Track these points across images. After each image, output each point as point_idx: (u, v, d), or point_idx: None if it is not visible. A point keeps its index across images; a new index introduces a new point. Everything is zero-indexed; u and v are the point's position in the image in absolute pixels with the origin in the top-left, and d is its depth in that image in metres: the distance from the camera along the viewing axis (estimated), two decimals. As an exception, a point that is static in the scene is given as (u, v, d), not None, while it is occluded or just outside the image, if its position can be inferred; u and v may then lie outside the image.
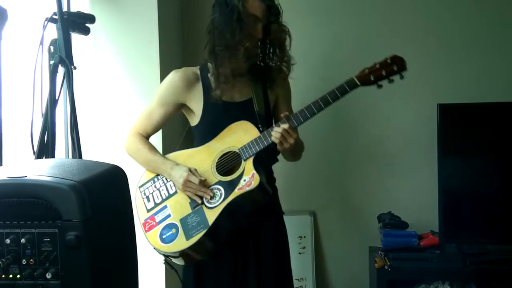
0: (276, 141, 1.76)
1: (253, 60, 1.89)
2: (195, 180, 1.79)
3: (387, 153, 2.82)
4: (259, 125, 1.84)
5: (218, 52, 1.82)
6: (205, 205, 1.78)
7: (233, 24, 1.78)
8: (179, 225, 1.79)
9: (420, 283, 2.53)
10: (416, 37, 2.75)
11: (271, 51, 1.90)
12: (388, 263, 2.44)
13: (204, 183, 1.80)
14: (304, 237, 2.82)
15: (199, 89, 1.90)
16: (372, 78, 1.75)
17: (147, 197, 1.89)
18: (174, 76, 1.92)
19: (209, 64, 1.89)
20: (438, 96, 2.62)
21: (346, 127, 2.86)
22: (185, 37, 2.90)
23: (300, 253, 2.76)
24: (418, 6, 2.76)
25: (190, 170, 1.81)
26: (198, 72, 1.93)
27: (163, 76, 2.44)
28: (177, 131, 2.68)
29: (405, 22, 2.77)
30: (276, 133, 1.75)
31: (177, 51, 2.83)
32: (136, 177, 1.95)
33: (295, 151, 1.90)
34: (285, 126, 1.75)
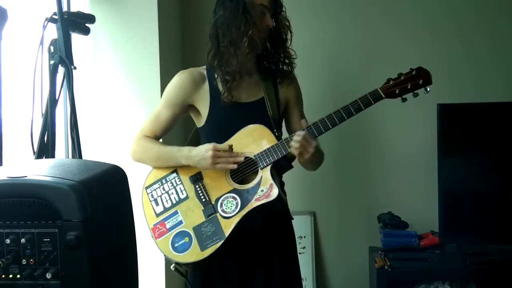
0: (296, 152, 1.70)
1: (259, 49, 1.83)
2: (224, 147, 1.71)
3: (387, 153, 2.82)
4: (274, 130, 1.79)
5: (223, 49, 1.77)
6: (220, 214, 1.72)
7: (239, 17, 1.73)
8: (192, 234, 1.72)
9: (420, 283, 2.53)
10: (416, 37, 2.76)
11: (275, 46, 1.86)
12: (388, 263, 2.45)
13: (232, 149, 1.73)
14: (304, 237, 2.82)
15: (205, 90, 1.86)
16: (397, 91, 1.72)
17: (155, 200, 1.82)
18: (180, 77, 1.88)
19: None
20: (438, 96, 2.61)
21: (345, 127, 2.84)
22: (185, 37, 2.90)
23: (300, 253, 2.76)
24: (419, 6, 2.76)
25: (213, 144, 1.73)
26: (205, 72, 1.89)
27: (163, 76, 2.45)
28: (177, 131, 2.68)
29: (405, 22, 2.78)
30: (295, 143, 1.69)
31: (177, 51, 2.84)
32: (136, 177, 1.92)
33: (315, 161, 1.83)
34: (305, 135, 1.69)
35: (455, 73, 2.74)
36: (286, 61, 1.88)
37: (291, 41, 1.87)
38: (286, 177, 2.01)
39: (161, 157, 1.84)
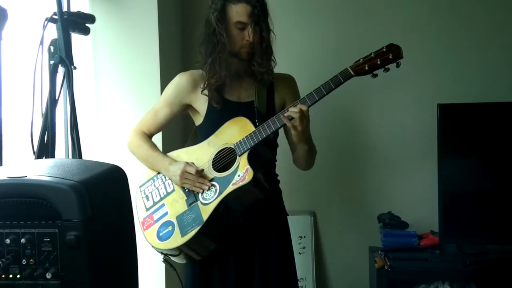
0: (285, 120, 1.73)
1: (246, 58, 1.87)
2: (192, 170, 1.81)
3: (387, 153, 2.82)
4: (256, 121, 1.84)
5: (203, 63, 1.87)
6: (200, 202, 1.79)
7: (207, 39, 1.84)
8: (175, 222, 1.80)
9: (420, 283, 2.53)
10: (417, 37, 2.75)
11: (259, 54, 1.87)
12: (388, 263, 2.45)
13: (201, 174, 1.82)
14: (304, 237, 2.82)
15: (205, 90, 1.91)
16: (366, 68, 1.74)
17: (146, 196, 1.91)
18: (180, 78, 1.94)
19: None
20: (438, 96, 2.62)
21: (346, 127, 2.86)
22: (185, 37, 2.90)
23: (300, 253, 2.77)
24: (419, 6, 2.76)
25: (187, 163, 1.84)
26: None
27: (163, 76, 2.45)
28: (177, 131, 2.69)
29: (406, 22, 2.77)
30: (291, 111, 1.73)
31: (177, 51, 2.83)
32: (137, 177, 1.95)
33: (309, 151, 1.87)
34: (300, 105, 1.73)
35: (455, 73, 2.74)
36: (263, 70, 1.88)
37: (271, 50, 1.88)
38: (286, 177, 2.01)
39: (148, 160, 1.95)
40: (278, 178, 2.01)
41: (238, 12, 1.79)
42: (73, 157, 1.93)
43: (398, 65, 1.75)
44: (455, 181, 2.50)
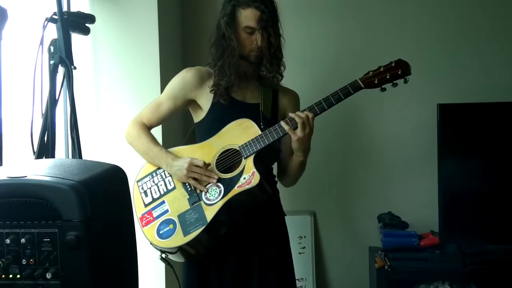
0: (287, 127, 1.75)
1: (255, 62, 1.90)
2: (200, 163, 1.79)
3: (387, 153, 2.82)
4: (261, 124, 1.84)
5: (213, 64, 1.89)
6: (204, 202, 1.78)
7: (217, 42, 1.86)
8: (176, 221, 1.78)
9: (420, 283, 2.53)
10: (417, 37, 2.75)
11: (268, 59, 1.88)
12: (388, 263, 2.45)
13: (208, 167, 1.80)
14: (304, 237, 2.82)
15: (210, 86, 1.91)
16: (376, 81, 1.76)
17: (145, 192, 1.88)
18: (187, 73, 1.94)
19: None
20: (438, 96, 2.62)
21: (346, 127, 2.86)
22: (185, 37, 2.90)
23: (300, 253, 2.77)
24: (420, 6, 2.76)
25: (192, 158, 1.83)
26: (212, 70, 1.95)
27: (163, 76, 2.45)
28: (177, 129, 2.69)
29: (406, 22, 2.78)
30: (296, 116, 1.74)
31: (177, 51, 2.84)
32: (136, 177, 1.94)
33: (302, 164, 1.87)
34: (308, 113, 1.75)
35: (455, 73, 2.74)
36: (271, 74, 1.90)
37: (280, 55, 1.90)
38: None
39: (148, 154, 1.92)
40: (276, 179, 2.01)
41: (247, 17, 1.81)
42: (73, 157, 1.93)
43: (406, 81, 1.77)
44: (455, 181, 2.50)
